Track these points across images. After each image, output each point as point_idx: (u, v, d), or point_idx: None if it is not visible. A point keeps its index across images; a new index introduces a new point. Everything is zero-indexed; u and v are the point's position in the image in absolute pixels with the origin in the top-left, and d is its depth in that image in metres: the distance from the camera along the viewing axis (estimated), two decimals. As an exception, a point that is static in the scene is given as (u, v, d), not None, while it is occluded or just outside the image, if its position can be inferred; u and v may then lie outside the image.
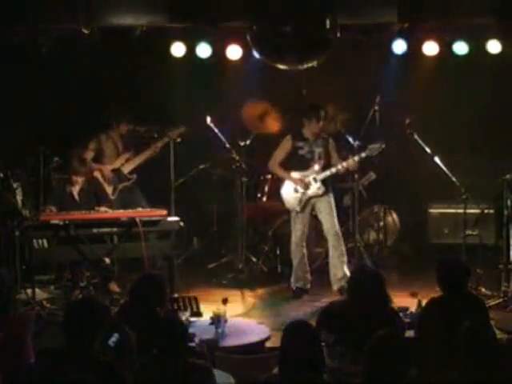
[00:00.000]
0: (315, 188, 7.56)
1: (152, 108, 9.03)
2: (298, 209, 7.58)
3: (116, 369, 3.80)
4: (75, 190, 7.61)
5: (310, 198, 7.60)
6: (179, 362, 3.98)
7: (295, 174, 7.63)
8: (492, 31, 8.22)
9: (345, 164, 7.52)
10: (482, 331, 4.04)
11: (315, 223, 8.01)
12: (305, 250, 7.69)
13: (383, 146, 7.45)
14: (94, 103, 8.96)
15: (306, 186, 7.57)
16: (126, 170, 8.32)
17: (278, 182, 8.68)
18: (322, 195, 7.58)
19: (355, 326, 4.92)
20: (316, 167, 7.56)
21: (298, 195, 7.59)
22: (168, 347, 4.05)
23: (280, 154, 7.70)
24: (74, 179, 7.55)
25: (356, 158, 7.50)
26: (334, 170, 7.55)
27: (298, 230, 7.64)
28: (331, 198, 7.66)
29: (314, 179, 7.55)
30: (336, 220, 7.63)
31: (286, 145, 7.67)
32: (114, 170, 8.27)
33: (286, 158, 7.68)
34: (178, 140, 7.99)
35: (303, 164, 7.61)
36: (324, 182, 7.58)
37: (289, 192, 7.67)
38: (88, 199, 7.60)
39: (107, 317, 4.14)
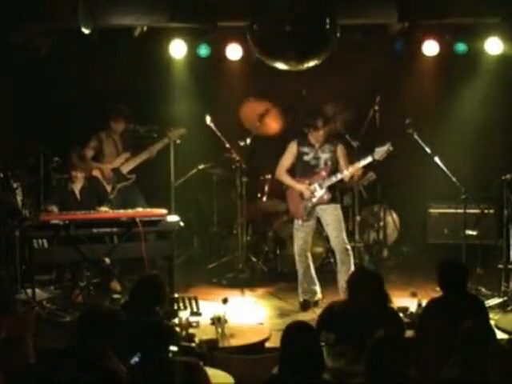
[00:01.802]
0: (320, 194, 7.26)
1: (152, 108, 9.03)
2: (304, 217, 7.30)
3: (116, 373, 3.81)
4: (76, 187, 7.63)
5: (315, 205, 7.31)
6: (166, 361, 3.98)
7: (302, 181, 7.35)
8: (492, 31, 8.22)
9: (351, 169, 7.23)
10: (481, 331, 4.04)
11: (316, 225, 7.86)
12: (309, 261, 7.39)
13: (391, 148, 7.13)
14: (93, 103, 8.96)
15: (312, 193, 7.29)
16: (126, 169, 8.33)
17: (278, 184, 8.69)
18: (327, 203, 7.28)
19: (355, 325, 4.93)
20: (323, 173, 7.28)
21: (304, 203, 7.31)
22: (154, 348, 4.08)
23: (286, 160, 7.44)
24: (74, 174, 7.56)
25: (362, 163, 7.21)
26: (339, 176, 7.25)
27: (299, 239, 7.37)
28: (338, 211, 7.34)
29: (320, 185, 7.26)
30: (344, 235, 7.30)
31: (291, 150, 7.40)
32: (113, 170, 8.29)
33: (293, 164, 7.42)
34: (178, 141, 7.99)
35: (308, 170, 7.32)
36: (330, 189, 7.29)
37: (294, 200, 7.41)
38: (89, 198, 7.61)
39: (114, 324, 4.15)
